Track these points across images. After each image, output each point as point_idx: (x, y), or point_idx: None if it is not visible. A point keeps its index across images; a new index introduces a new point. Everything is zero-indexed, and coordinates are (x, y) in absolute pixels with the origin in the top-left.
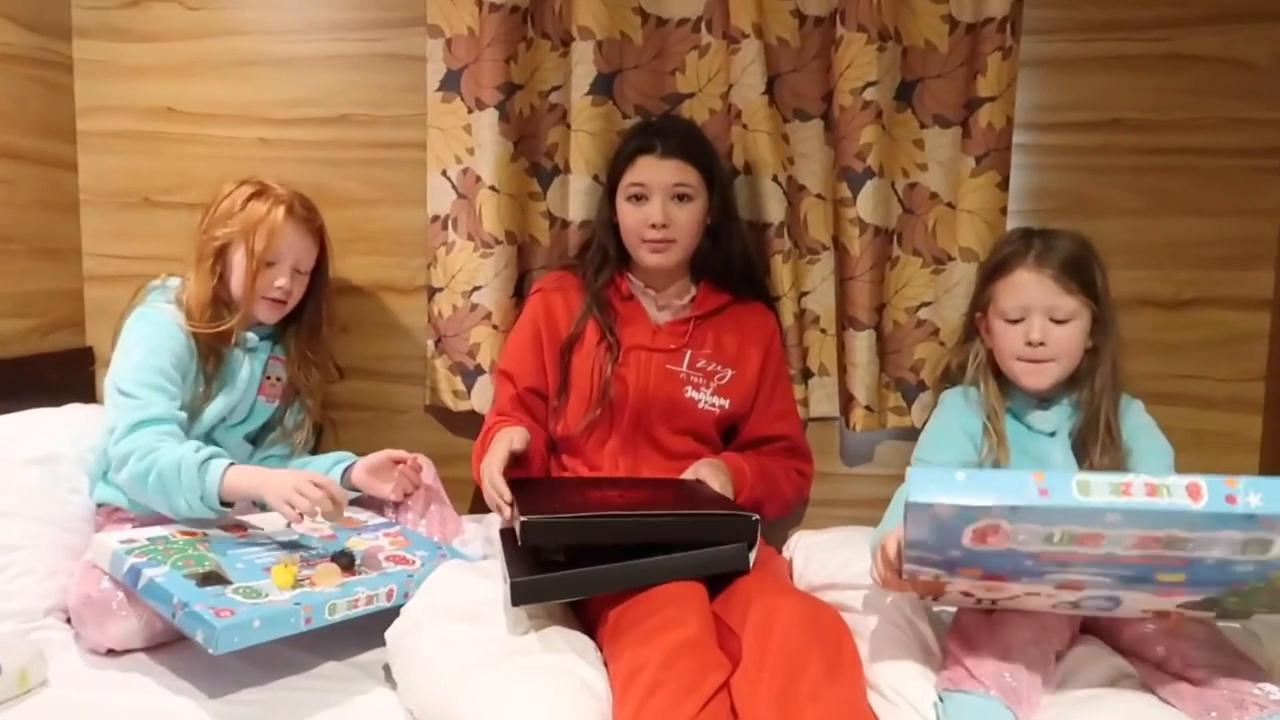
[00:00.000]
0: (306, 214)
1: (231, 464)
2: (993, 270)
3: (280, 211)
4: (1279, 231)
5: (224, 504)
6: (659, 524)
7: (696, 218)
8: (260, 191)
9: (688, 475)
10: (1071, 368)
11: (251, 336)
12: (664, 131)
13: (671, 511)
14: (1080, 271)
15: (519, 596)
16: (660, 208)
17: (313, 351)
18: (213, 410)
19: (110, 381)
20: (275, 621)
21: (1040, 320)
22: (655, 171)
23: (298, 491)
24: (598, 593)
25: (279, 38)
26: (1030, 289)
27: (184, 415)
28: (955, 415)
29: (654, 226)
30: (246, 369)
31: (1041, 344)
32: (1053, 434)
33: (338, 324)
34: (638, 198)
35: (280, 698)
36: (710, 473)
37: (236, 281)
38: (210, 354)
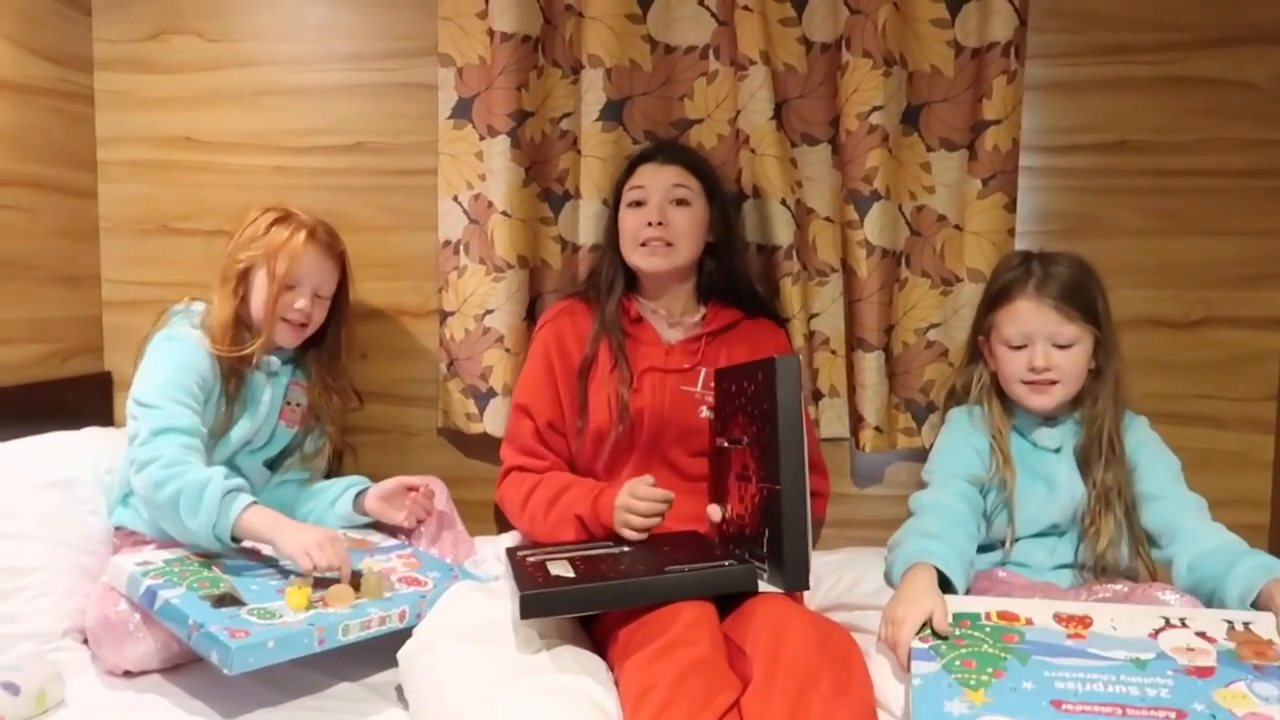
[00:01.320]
0: (329, 240)
1: (255, 502)
2: (994, 297)
3: (302, 236)
4: None
5: (234, 539)
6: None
7: (695, 222)
8: (284, 217)
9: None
10: (1076, 389)
11: (273, 360)
12: (663, 144)
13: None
14: (1081, 297)
15: (528, 610)
16: (658, 207)
17: (333, 378)
18: (236, 434)
19: (132, 397)
20: (289, 642)
21: (1043, 347)
22: (654, 176)
23: (311, 551)
24: (606, 608)
25: (295, 68)
26: (1031, 318)
27: (205, 433)
28: (962, 433)
29: (651, 225)
30: (268, 393)
31: (1046, 369)
32: (1058, 450)
33: (358, 350)
34: (637, 203)
35: (294, 718)
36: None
37: (257, 304)
38: (232, 376)
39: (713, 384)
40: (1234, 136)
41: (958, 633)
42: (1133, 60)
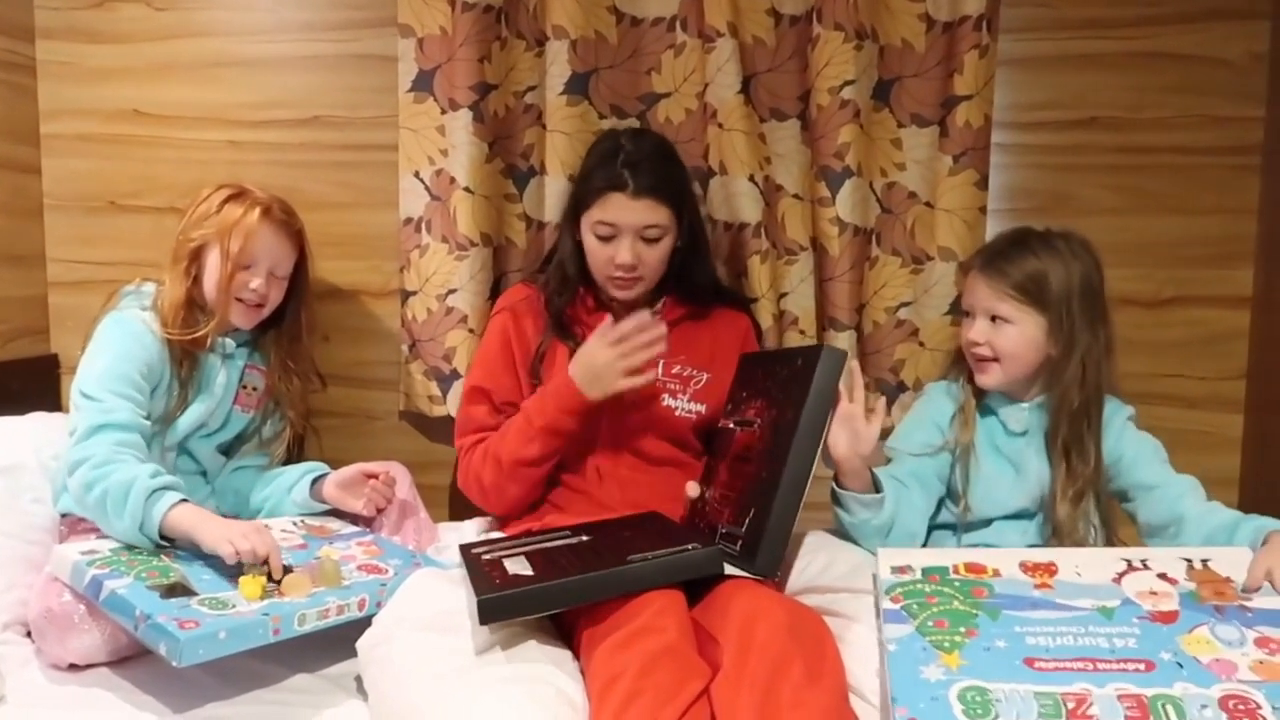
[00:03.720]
0: (285, 217)
1: (182, 500)
2: (962, 267)
3: (256, 213)
4: (1258, 229)
5: (163, 538)
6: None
7: (665, 253)
8: (238, 194)
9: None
10: (1020, 372)
11: (228, 342)
12: (635, 163)
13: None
14: (1030, 280)
15: (487, 614)
16: (629, 248)
17: (294, 360)
18: (188, 419)
19: (75, 385)
20: (242, 633)
21: (981, 322)
22: (625, 213)
23: (234, 539)
24: (571, 605)
25: (248, 39)
26: (972, 290)
27: (148, 424)
28: (931, 407)
29: (620, 266)
30: (223, 376)
31: (978, 344)
32: (1024, 433)
33: (319, 332)
34: (606, 237)
35: (248, 712)
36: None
37: (211, 284)
38: (185, 359)
39: (673, 371)
40: (1206, 113)
41: (928, 589)
42: (1105, 35)
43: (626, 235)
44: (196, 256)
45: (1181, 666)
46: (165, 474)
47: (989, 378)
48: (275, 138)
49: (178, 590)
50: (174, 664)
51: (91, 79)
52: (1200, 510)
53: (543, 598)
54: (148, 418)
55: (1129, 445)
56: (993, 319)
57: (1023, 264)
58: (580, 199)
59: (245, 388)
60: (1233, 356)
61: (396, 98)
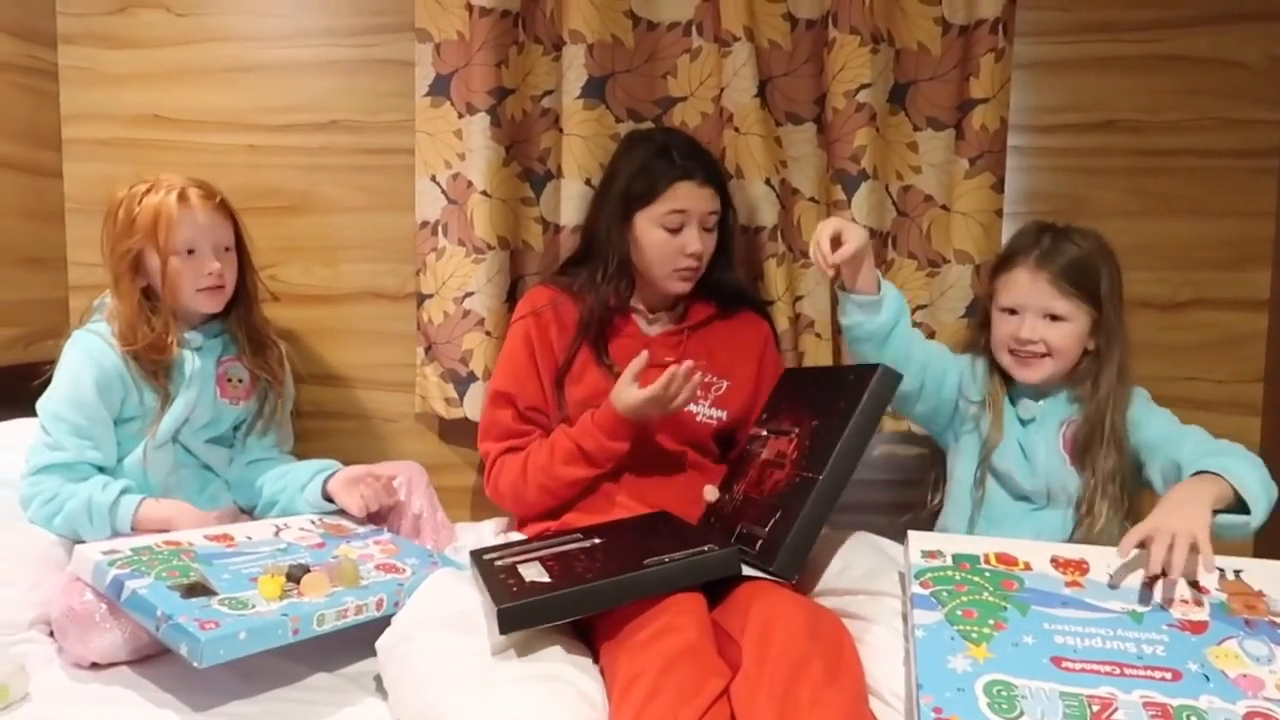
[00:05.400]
0: (204, 192)
1: (143, 499)
2: (1000, 262)
3: (174, 198)
4: (1275, 232)
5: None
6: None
7: (716, 244)
8: (150, 188)
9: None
10: (1067, 366)
11: (196, 336)
12: (691, 154)
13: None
14: (1084, 276)
15: (507, 623)
16: (698, 236)
17: (256, 330)
18: (169, 418)
19: (39, 403)
20: (262, 633)
21: (1032, 319)
22: (696, 199)
23: (207, 523)
24: (591, 611)
25: (267, 44)
26: (1025, 288)
27: (99, 455)
28: (963, 361)
29: (691, 255)
30: (196, 364)
31: (1032, 341)
32: (1032, 420)
33: (267, 296)
34: (676, 228)
35: (268, 710)
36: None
37: (165, 285)
38: (155, 369)
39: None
40: (1223, 116)
41: (958, 577)
42: (1122, 39)
43: (694, 223)
44: (137, 265)
45: (1208, 679)
46: (111, 480)
47: (1035, 372)
48: (294, 142)
49: (198, 590)
50: (195, 664)
51: (112, 84)
52: (1194, 451)
53: (562, 605)
54: (103, 446)
55: (1147, 432)
56: (1048, 317)
57: (1075, 261)
58: (638, 196)
59: (229, 380)
60: (1250, 359)
61: (414, 102)
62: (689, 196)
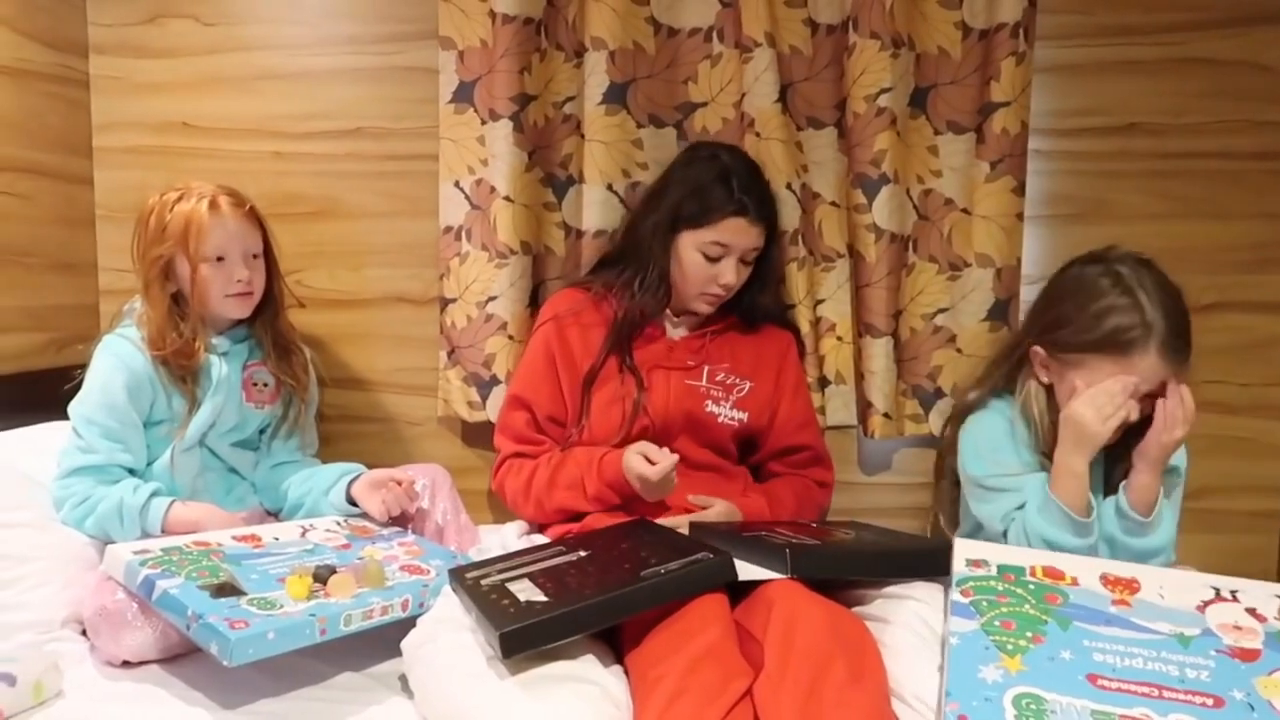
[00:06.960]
0: (234, 200)
1: (173, 501)
2: (1101, 344)
3: (205, 206)
4: None
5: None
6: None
7: (753, 272)
8: (181, 195)
9: (710, 513)
10: None
11: (222, 342)
12: (749, 188)
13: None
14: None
15: (510, 646)
16: (734, 269)
17: (281, 335)
18: (196, 422)
19: (71, 407)
20: (290, 633)
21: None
22: (742, 237)
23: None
24: (593, 629)
25: (293, 52)
26: (1156, 372)
27: (130, 458)
28: (996, 430)
29: (723, 286)
30: (223, 369)
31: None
32: None
33: (294, 303)
34: (716, 258)
35: (296, 708)
36: (725, 515)
37: (195, 292)
38: (183, 374)
39: (717, 379)
40: (1245, 119)
41: (1001, 588)
42: (1143, 42)
43: (734, 256)
44: (168, 272)
45: (1254, 709)
46: (141, 482)
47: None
48: (319, 148)
49: (227, 590)
50: (225, 663)
51: (142, 92)
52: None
53: (564, 624)
54: (134, 449)
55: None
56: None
57: (1188, 326)
58: (689, 217)
59: (256, 385)
60: (1274, 362)
61: (438, 109)
62: (737, 233)
